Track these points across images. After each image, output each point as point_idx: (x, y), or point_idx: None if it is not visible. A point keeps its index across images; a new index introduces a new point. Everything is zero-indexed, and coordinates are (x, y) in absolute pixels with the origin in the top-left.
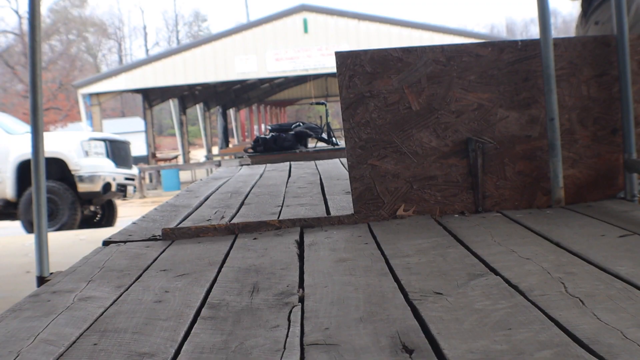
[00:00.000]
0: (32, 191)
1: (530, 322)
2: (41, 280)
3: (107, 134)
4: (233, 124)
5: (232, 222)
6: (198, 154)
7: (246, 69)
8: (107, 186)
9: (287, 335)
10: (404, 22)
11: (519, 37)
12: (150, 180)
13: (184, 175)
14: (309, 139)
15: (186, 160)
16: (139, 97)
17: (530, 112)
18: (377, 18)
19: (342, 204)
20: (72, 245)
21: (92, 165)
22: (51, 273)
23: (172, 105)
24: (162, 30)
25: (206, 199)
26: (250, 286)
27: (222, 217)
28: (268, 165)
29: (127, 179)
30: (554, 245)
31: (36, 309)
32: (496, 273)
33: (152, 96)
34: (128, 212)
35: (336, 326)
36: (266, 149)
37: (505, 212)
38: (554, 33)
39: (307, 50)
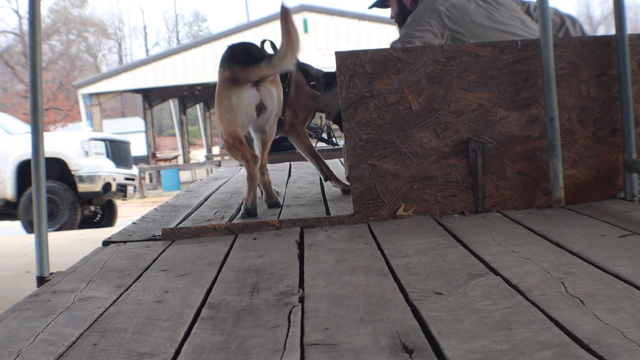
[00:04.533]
0: (32, 191)
1: (530, 322)
2: (41, 280)
3: (107, 134)
4: None
5: (232, 222)
6: (198, 154)
7: None
8: (107, 186)
9: (287, 335)
10: None
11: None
12: (150, 180)
13: (184, 175)
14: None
15: (186, 160)
16: (139, 97)
17: (530, 112)
18: (377, 18)
19: (342, 204)
20: (72, 245)
21: (92, 166)
22: (51, 273)
23: (172, 105)
24: (162, 31)
25: (206, 199)
26: (250, 286)
27: (222, 217)
28: (268, 165)
29: (127, 179)
30: (554, 245)
31: (36, 309)
32: (496, 273)
33: (152, 96)
34: (128, 212)
35: (336, 326)
36: None
37: (505, 212)
38: None
39: (307, 51)
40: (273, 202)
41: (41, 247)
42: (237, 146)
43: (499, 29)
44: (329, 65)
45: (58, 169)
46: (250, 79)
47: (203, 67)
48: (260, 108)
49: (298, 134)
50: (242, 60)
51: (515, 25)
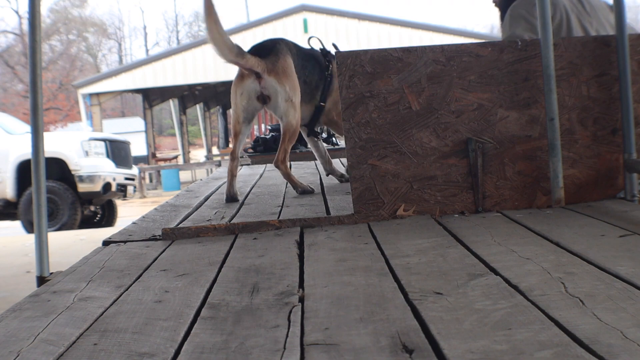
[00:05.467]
0: (32, 191)
1: (530, 322)
2: (41, 280)
3: (107, 134)
4: None
5: (232, 222)
6: (198, 154)
7: None
8: (107, 186)
9: (287, 335)
10: (404, 22)
11: None
12: (150, 180)
13: (184, 175)
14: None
15: (186, 160)
16: (139, 97)
17: (530, 112)
18: (377, 18)
19: (342, 204)
20: (72, 245)
21: (92, 165)
22: (51, 273)
23: (172, 105)
24: (162, 31)
25: (206, 199)
26: (250, 286)
27: (222, 217)
28: (268, 165)
29: (127, 179)
30: (554, 245)
31: (36, 309)
32: (496, 273)
33: (152, 96)
34: (128, 212)
35: (336, 326)
36: (266, 149)
37: (505, 212)
38: None
39: None
40: (302, 190)
41: (41, 247)
42: (233, 138)
43: (587, 30)
44: None
45: (58, 169)
46: (245, 71)
47: (203, 67)
48: (264, 98)
49: (334, 125)
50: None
51: (608, 30)
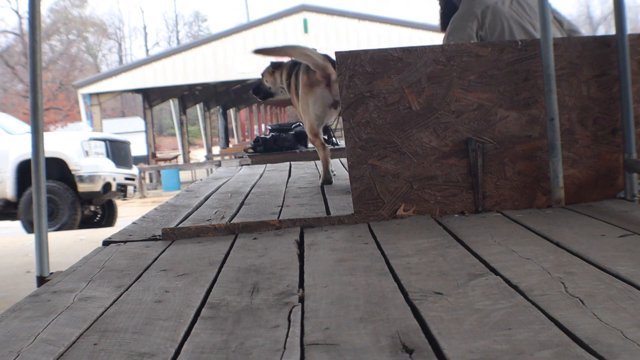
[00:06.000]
0: (32, 191)
1: (530, 322)
2: (41, 280)
3: (107, 134)
4: (233, 124)
5: (232, 222)
6: (198, 154)
7: (246, 69)
8: (107, 186)
9: (287, 335)
10: (404, 22)
11: None
12: (150, 180)
13: (184, 175)
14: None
15: (186, 160)
16: (139, 97)
17: (530, 112)
18: (377, 18)
19: (342, 204)
20: (72, 245)
21: (92, 165)
22: (51, 273)
23: (172, 105)
24: (162, 31)
25: (206, 199)
26: (251, 286)
27: (222, 217)
28: (268, 165)
29: (127, 179)
30: (554, 245)
31: (36, 309)
32: (496, 273)
33: (152, 96)
34: (128, 212)
35: (336, 326)
36: (266, 149)
37: (505, 212)
38: None
39: None
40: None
41: (41, 247)
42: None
43: (532, 34)
44: None
45: (58, 169)
46: (317, 78)
47: (203, 67)
48: (336, 104)
49: None
50: None
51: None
